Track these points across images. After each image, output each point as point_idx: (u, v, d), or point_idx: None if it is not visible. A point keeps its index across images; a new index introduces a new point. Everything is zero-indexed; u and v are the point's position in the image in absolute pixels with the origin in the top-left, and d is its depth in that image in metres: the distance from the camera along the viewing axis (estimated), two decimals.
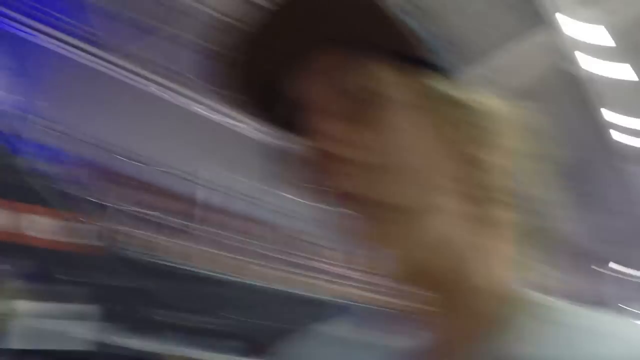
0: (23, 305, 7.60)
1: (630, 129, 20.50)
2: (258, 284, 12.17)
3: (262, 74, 0.54)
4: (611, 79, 18.01)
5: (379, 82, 0.50)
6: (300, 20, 0.49)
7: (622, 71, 17.71)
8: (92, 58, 13.36)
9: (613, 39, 16.44)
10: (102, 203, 10.95)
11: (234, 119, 12.97)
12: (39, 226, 9.16)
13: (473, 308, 0.51)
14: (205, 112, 14.97)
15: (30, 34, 12.56)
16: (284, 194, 8.99)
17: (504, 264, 0.53)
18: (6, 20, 12.05)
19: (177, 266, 11.24)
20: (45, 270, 8.72)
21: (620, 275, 28.42)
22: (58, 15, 12.92)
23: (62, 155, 11.21)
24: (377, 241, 0.50)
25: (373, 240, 0.50)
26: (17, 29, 12.21)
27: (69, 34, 13.07)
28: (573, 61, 17.79)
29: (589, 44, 16.92)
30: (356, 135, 0.49)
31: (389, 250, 0.49)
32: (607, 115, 20.15)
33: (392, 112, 0.50)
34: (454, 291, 0.51)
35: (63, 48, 12.96)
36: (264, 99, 0.56)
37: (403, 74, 0.51)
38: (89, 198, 10.57)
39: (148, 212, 11.79)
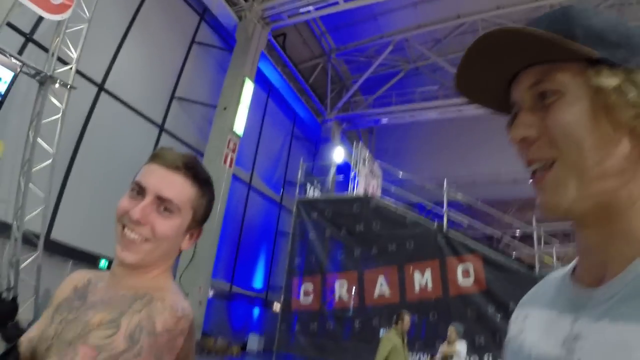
0: None
1: None
2: None
3: (494, 83, 0.81)
4: None
5: (558, 83, 0.73)
6: (511, 48, 0.73)
7: None
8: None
9: None
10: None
11: None
12: None
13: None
14: None
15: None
16: None
17: None
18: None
19: None
20: None
21: None
22: None
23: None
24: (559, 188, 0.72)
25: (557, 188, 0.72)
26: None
27: None
28: None
29: None
30: (541, 120, 0.73)
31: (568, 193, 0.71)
32: None
33: (561, 101, 0.72)
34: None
35: None
36: (496, 100, 0.85)
37: (576, 73, 0.72)
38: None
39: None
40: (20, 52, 8.39)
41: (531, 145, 0.74)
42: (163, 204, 1.22)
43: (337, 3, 13.30)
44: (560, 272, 0.88)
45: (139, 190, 1.23)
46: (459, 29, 15.98)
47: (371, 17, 15.85)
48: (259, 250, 15.68)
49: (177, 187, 1.26)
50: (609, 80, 0.70)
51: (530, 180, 0.75)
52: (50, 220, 9.21)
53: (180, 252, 1.36)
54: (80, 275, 1.40)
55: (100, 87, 10.62)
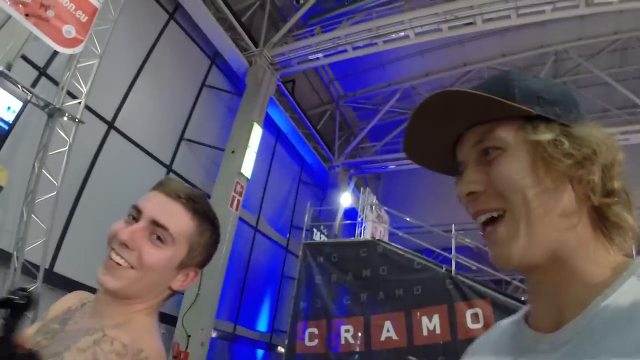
0: None
1: None
2: None
3: (434, 146, 0.88)
4: None
5: (499, 140, 0.77)
6: (454, 110, 0.79)
7: None
8: None
9: None
10: None
11: None
12: None
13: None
14: None
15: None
16: None
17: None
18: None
19: None
20: None
21: None
22: None
23: None
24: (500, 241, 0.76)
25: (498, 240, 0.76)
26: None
27: None
28: None
29: None
30: (485, 174, 0.78)
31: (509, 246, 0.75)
32: None
33: (503, 156, 0.77)
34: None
35: None
36: (444, 162, 0.91)
37: (515, 130, 0.78)
38: None
39: None
40: (33, 85, 8.49)
41: (478, 198, 0.78)
42: (156, 231, 1.15)
43: (345, 51, 13.49)
44: (509, 320, 0.92)
45: (135, 215, 1.17)
46: (466, 77, 16.12)
47: (379, 65, 16.06)
48: (264, 292, 15.39)
49: (175, 216, 1.18)
50: (545, 134, 0.75)
51: (482, 234, 0.79)
52: (53, 252, 9.11)
53: (172, 292, 1.28)
54: (78, 297, 1.34)
55: (110, 125, 10.69)
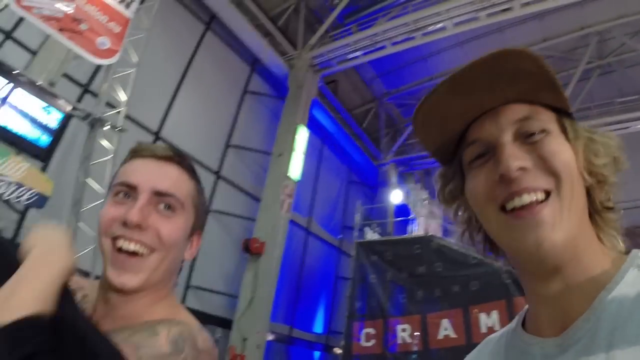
0: None
1: None
2: None
3: (452, 114, 0.80)
4: None
5: (545, 123, 0.75)
6: (497, 81, 0.75)
7: None
8: None
9: None
10: None
11: None
12: None
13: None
14: None
15: None
16: None
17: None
18: None
19: None
20: None
21: None
22: None
23: None
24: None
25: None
26: None
27: None
28: None
29: None
30: (527, 152, 0.73)
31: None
32: None
33: (550, 137, 0.74)
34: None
35: None
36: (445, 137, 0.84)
37: (552, 120, 0.77)
38: None
39: None
40: (78, 102, 8.71)
41: (525, 176, 0.72)
42: (162, 200, 1.00)
43: (384, 47, 13.24)
44: (498, 334, 0.91)
45: (127, 192, 0.99)
46: None
47: (419, 59, 15.65)
48: (319, 294, 15.26)
49: (175, 180, 1.05)
50: (584, 132, 0.78)
51: (512, 215, 0.72)
52: None
53: (181, 266, 1.13)
54: (74, 286, 1.09)
55: (157, 135, 10.84)
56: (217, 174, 12.43)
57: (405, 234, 13.25)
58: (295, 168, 12.93)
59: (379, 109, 18.27)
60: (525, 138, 0.75)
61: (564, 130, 0.77)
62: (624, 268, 0.71)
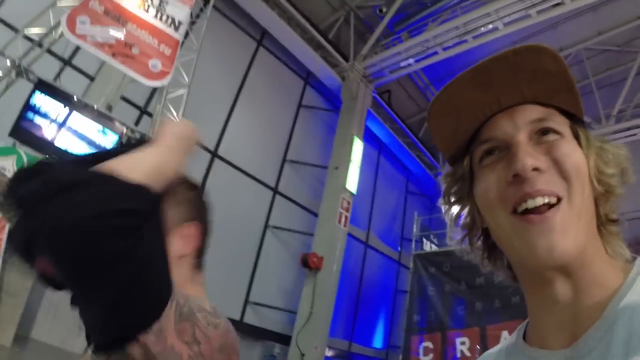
0: None
1: None
2: None
3: (469, 108, 0.78)
4: None
5: (559, 125, 0.74)
6: (514, 81, 0.74)
7: None
8: None
9: None
10: None
11: None
12: None
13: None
14: None
15: None
16: None
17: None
18: None
19: None
20: None
21: None
22: None
23: None
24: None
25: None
26: None
27: None
28: None
29: None
30: (542, 154, 0.71)
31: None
32: None
33: (563, 141, 0.73)
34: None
35: None
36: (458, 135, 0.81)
37: (566, 124, 0.75)
38: None
39: None
40: (136, 123, 8.99)
41: (539, 177, 0.70)
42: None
43: (436, 53, 12.98)
44: (497, 349, 0.89)
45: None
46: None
47: (472, 64, 14.99)
48: (378, 308, 14.99)
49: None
50: (596, 142, 0.77)
51: (524, 219, 0.70)
52: None
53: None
54: None
55: (214, 154, 11.00)
56: (274, 190, 12.48)
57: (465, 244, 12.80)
58: (352, 180, 12.82)
59: None
60: (540, 137, 0.74)
61: (576, 137, 0.76)
62: (632, 276, 0.70)
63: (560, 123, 0.76)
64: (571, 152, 0.73)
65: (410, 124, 16.86)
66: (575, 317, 0.71)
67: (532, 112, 0.76)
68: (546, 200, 0.70)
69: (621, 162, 0.77)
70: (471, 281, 10.26)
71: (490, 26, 11.89)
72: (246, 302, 11.08)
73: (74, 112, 6.42)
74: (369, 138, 14.86)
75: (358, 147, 13.20)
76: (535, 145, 0.74)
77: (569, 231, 0.68)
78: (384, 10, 14.03)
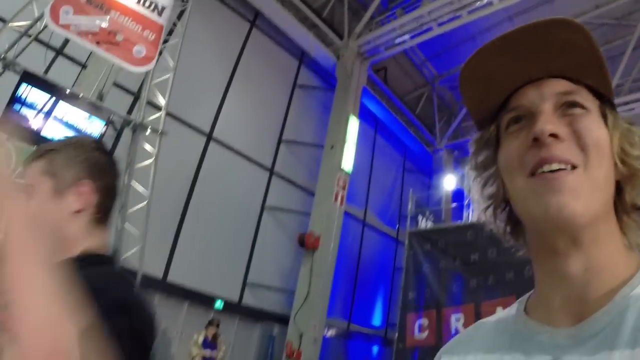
0: None
1: None
2: None
3: (499, 76, 0.78)
4: None
5: (586, 100, 0.74)
6: (548, 52, 0.74)
7: None
8: None
9: None
10: None
11: None
12: None
13: None
14: None
15: None
16: None
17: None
18: None
19: None
20: None
21: None
22: None
23: None
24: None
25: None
26: None
27: None
28: None
29: None
30: (564, 125, 0.71)
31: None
32: None
33: (588, 115, 0.73)
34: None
35: None
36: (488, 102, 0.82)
37: (594, 102, 0.74)
38: None
39: None
40: (130, 109, 8.96)
41: (556, 145, 0.71)
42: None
43: (431, 29, 12.83)
44: (495, 318, 0.87)
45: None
46: None
47: (469, 38, 14.88)
48: (376, 286, 15.08)
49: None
50: (624, 123, 0.77)
51: (537, 176, 0.71)
52: (166, 263, 9.55)
53: None
54: None
55: (209, 137, 10.97)
56: (271, 171, 12.47)
57: (461, 220, 12.83)
58: (348, 159, 12.80)
59: (432, 93, 17.77)
60: (565, 112, 0.74)
61: (603, 116, 0.76)
62: None
63: (587, 99, 0.75)
64: (593, 127, 0.73)
65: (407, 101, 16.76)
66: (583, 296, 0.70)
67: (560, 85, 0.76)
68: (562, 167, 0.70)
69: None
70: (466, 258, 10.30)
71: (485, 0, 11.70)
72: (244, 283, 11.17)
73: (61, 102, 6.38)
74: (366, 116, 14.78)
75: (354, 125, 13.15)
76: (560, 117, 0.74)
77: (580, 195, 0.69)
78: None
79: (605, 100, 0.77)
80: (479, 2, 11.80)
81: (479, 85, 0.81)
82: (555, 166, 0.70)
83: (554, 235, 0.71)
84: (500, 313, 0.87)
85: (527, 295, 0.84)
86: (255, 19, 12.64)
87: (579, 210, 0.67)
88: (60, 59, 8.35)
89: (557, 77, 0.76)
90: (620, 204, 0.76)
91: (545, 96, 0.75)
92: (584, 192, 0.69)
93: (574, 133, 0.72)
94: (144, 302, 1.17)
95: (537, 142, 0.72)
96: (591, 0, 13.61)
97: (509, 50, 0.76)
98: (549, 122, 0.72)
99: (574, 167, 0.70)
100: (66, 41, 8.06)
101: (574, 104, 0.74)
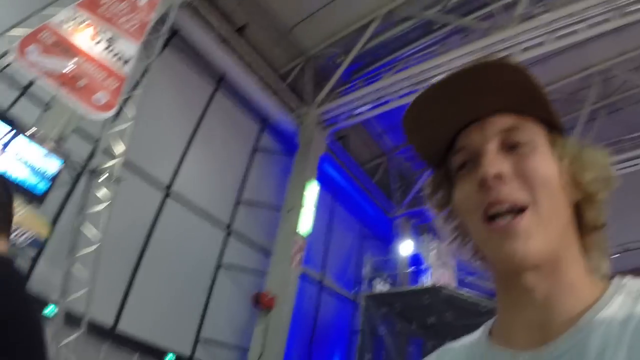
0: None
1: None
2: None
3: (441, 119, 0.80)
4: None
5: (532, 134, 0.75)
6: (485, 92, 0.75)
7: None
8: None
9: None
10: None
11: None
12: None
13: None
14: None
15: None
16: None
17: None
18: None
19: None
20: None
21: None
22: None
23: None
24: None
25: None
26: None
27: None
28: None
29: None
30: (509, 163, 0.73)
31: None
32: None
33: (534, 151, 0.74)
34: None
35: None
36: (434, 147, 0.84)
37: (540, 133, 0.77)
38: None
39: None
40: (91, 155, 9.08)
41: (502, 185, 0.72)
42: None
43: (389, 101, 13.49)
44: (460, 343, 0.89)
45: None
46: None
47: None
48: (333, 348, 14.85)
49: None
50: (574, 148, 0.77)
51: (490, 226, 0.72)
52: (117, 312, 9.37)
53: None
54: None
55: (167, 191, 11.10)
56: (228, 229, 12.55)
57: (421, 284, 13.01)
58: (305, 223, 12.99)
59: (389, 163, 18.43)
60: (510, 149, 0.75)
61: (553, 144, 0.77)
62: (610, 293, 0.71)
63: (532, 132, 0.76)
64: (540, 164, 0.73)
65: (367, 169, 17.28)
66: (545, 321, 0.71)
67: (502, 122, 0.76)
68: (508, 207, 0.71)
69: (600, 167, 0.77)
70: (423, 321, 10.39)
71: (442, 76, 12.42)
72: (197, 338, 10.95)
73: (19, 137, 6.52)
74: (325, 182, 15.14)
75: (312, 190, 13.45)
76: (505, 155, 0.75)
77: (532, 235, 0.69)
78: (341, 59, 14.64)
79: (554, 128, 0.79)
80: (435, 78, 12.53)
81: (423, 132, 0.83)
82: (503, 208, 0.71)
83: (512, 271, 0.73)
84: (465, 338, 0.89)
85: (491, 320, 0.85)
86: (220, 81, 13.16)
87: (531, 251, 0.69)
88: (24, 97, 8.53)
89: (501, 111, 0.77)
90: (581, 226, 0.78)
91: (488, 136, 0.76)
92: (535, 232, 0.70)
93: (520, 172, 0.72)
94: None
95: (484, 185, 0.72)
96: (542, 77, 14.00)
97: (446, 96, 0.77)
98: (491, 165, 0.73)
99: (522, 210, 0.71)
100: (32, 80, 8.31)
101: (518, 143, 0.75)
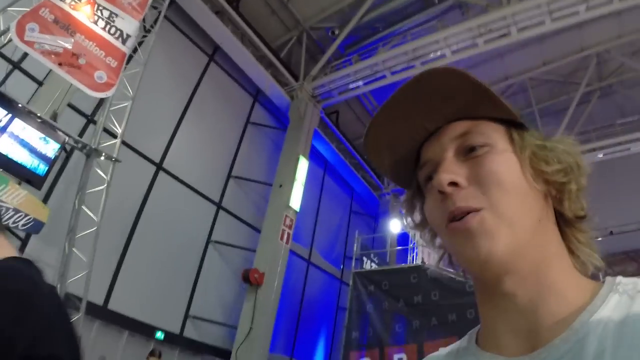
0: None
1: None
2: None
3: (399, 139, 0.80)
4: None
5: (487, 136, 0.74)
6: (439, 102, 0.75)
7: None
8: None
9: None
10: None
11: None
12: None
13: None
14: None
15: None
16: None
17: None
18: None
19: None
20: None
21: None
22: None
23: None
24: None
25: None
26: None
27: None
28: None
29: None
30: (465, 169, 0.72)
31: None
32: None
33: (489, 153, 0.73)
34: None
35: None
36: (396, 159, 0.83)
37: (498, 131, 0.76)
38: None
39: None
40: (82, 132, 8.88)
41: (458, 193, 0.71)
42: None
43: (384, 77, 13.41)
44: (446, 351, 0.87)
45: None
46: (509, 90, 15.61)
47: None
48: (320, 325, 15.10)
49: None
50: (535, 140, 0.76)
51: (449, 229, 0.72)
52: (107, 291, 9.32)
53: None
54: None
55: (159, 166, 10.94)
56: (218, 205, 12.48)
57: (407, 262, 13.18)
58: (296, 199, 12.97)
59: None
60: (467, 153, 0.75)
61: (512, 141, 0.76)
62: (604, 293, 0.69)
63: (488, 133, 0.75)
64: (493, 164, 0.72)
65: (357, 145, 17.27)
66: (532, 325, 0.69)
67: (457, 128, 0.77)
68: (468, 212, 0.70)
69: (564, 157, 0.75)
70: (409, 299, 10.53)
71: (439, 53, 12.41)
72: (186, 315, 10.99)
73: (16, 119, 6.32)
74: (315, 157, 15.10)
75: (303, 165, 13.40)
76: (463, 160, 0.75)
77: (496, 236, 0.67)
78: (337, 32, 14.41)
79: (513, 124, 0.77)
80: (432, 54, 12.50)
81: (385, 154, 0.83)
82: (465, 213, 0.70)
83: (485, 275, 0.70)
84: (451, 346, 0.87)
85: (476, 328, 0.83)
86: (214, 53, 12.88)
87: (495, 250, 0.67)
88: (16, 73, 8.26)
89: (455, 120, 0.77)
90: (562, 219, 0.76)
91: (445, 144, 0.76)
92: (497, 230, 0.68)
93: (475, 176, 0.72)
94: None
95: (443, 194, 0.72)
96: (539, 56, 14.66)
97: (397, 115, 0.77)
98: (444, 172, 0.72)
99: (478, 211, 0.69)
100: (24, 55, 8.03)
101: (474, 143, 0.74)
